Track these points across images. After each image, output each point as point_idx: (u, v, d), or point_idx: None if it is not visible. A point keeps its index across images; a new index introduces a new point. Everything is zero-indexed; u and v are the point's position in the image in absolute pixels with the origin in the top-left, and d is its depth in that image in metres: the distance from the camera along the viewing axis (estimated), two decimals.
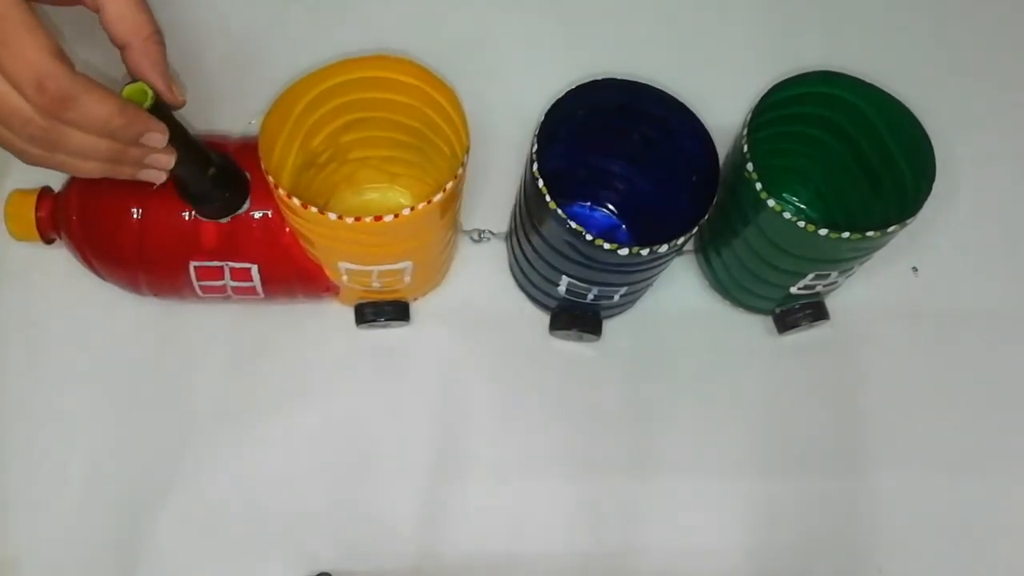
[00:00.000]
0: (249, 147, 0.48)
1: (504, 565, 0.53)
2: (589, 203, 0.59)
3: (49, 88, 0.37)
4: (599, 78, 0.49)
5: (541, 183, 0.46)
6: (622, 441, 0.56)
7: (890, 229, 0.47)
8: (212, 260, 0.50)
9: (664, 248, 0.46)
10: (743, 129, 0.49)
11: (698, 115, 0.49)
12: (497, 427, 0.56)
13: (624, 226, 0.59)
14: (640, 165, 0.55)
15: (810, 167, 0.57)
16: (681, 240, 0.46)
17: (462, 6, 0.65)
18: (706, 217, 0.47)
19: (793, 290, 0.54)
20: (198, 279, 0.51)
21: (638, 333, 0.58)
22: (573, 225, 0.46)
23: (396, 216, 0.44)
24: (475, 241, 0.59)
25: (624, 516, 0.55)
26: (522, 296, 0.59)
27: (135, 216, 0.49)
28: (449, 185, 0.45)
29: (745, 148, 0.48)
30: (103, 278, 0.53)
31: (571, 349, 0.58)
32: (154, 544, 0.52)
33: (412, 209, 0.44)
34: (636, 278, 0.51)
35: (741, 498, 0.56)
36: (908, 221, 0.47)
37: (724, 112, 0.53)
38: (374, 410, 0.56)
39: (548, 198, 0.46)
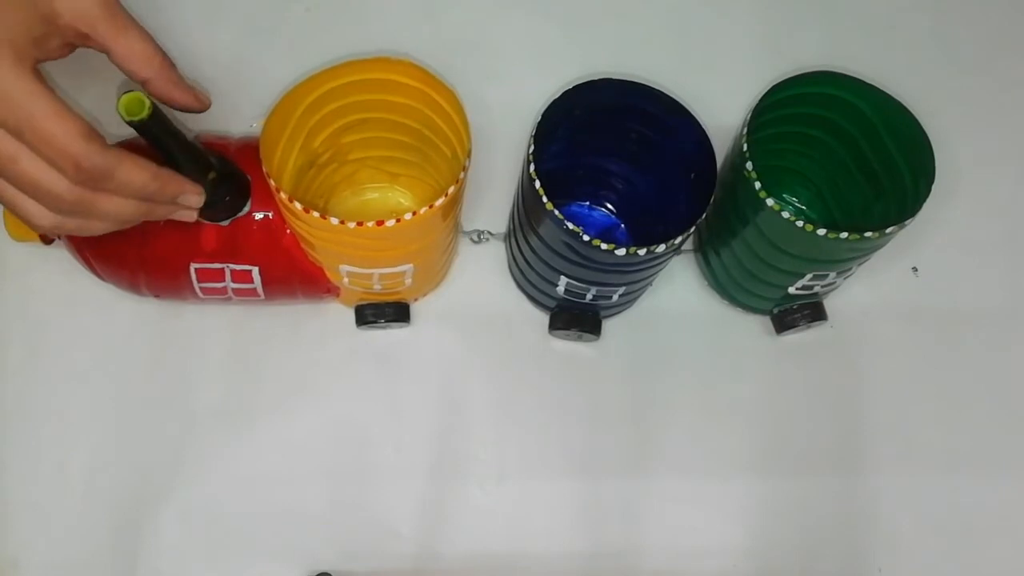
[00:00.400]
0: (250, 148, 0.48)
1: (504, 565, 0.53)
2: (588, 203, 0.59)
3: (85, 168, 0.38)
4: (596, 78, 0.49)
5: (538, 184, 0.46)
6: (622, 441, 0.56)
7: (889, 230, 0.46)
8: (213, 262, 0.50)
9: (661, 248, 0.46)
10: (742, 129, 0.49)
11: (696, 115, 0.49)
12: (497, 427, 0.56)
13: (623, 225, 0.59)
14: (639, 164, 0.55)
15: (809, 167, 0.57)
16: (679, 240, 0.46)
17: (462, 7, 0.65)
18: (704, 216, 0.47)
19: (791, 290, 0.54)
20: (199, 281, 0.51)
21: (637, 333, 0.58)
22: (570, 226, 0.45)
23: (398, 221, 0.44)
24: (475, 242, 0.59)
25: (624, 516, 0.55)
26: (521, 296, 0.59)
27: None
28: (451, 189, 0.45)
29: (744, 148, 0.48)
30: (102, 278, 0.53)
31: (570, 349, 0.58)
32: (154, 544, 0.52)
33: (414, 214, 0.44)
34: (634, 278, 0.51)
35: (740, 498, 0.56)
36: (907, 222, 0.47)
37: (723, 112, 0.53)
38: (374, 410, 0.56)
39: (545, 199, 0.46)
